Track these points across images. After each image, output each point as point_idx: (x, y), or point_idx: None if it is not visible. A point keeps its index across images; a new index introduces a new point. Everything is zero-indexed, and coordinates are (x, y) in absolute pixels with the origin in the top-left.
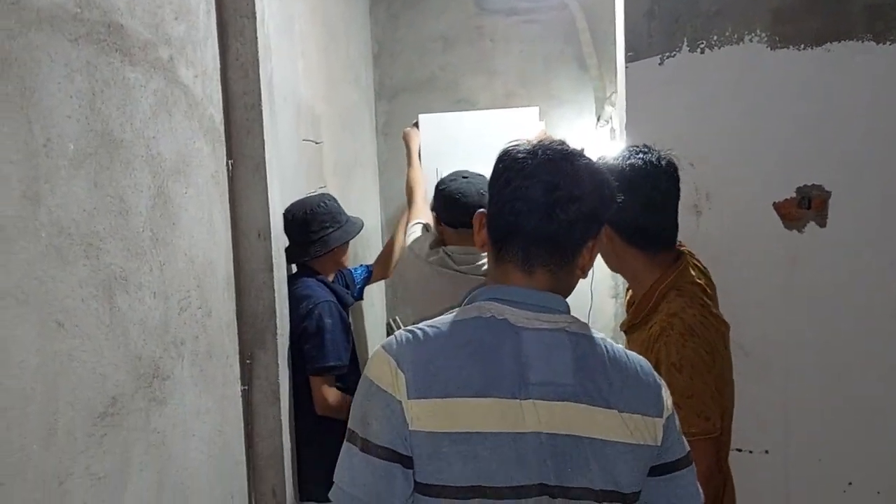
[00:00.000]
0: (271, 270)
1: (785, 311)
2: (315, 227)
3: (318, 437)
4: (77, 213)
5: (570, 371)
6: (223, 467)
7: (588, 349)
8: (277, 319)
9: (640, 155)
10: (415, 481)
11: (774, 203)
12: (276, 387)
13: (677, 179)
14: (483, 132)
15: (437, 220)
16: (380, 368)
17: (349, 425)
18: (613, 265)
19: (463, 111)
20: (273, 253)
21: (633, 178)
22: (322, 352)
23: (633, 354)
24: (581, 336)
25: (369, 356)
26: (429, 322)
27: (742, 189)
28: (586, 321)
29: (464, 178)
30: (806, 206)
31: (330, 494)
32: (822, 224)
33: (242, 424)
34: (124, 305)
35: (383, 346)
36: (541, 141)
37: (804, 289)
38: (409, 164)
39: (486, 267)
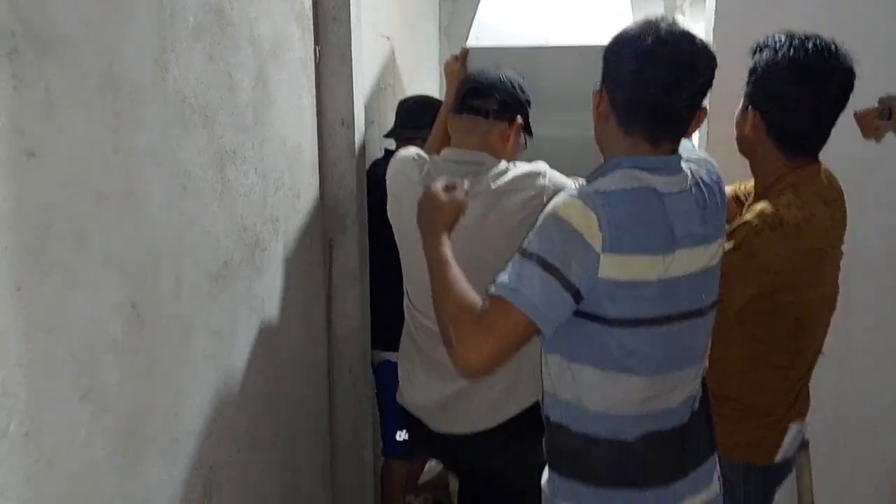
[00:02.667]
0: (353, 158)
1: (856, 219)
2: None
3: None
4: (195, 84)
5: (698, 223)
6: (307, 341)
7: (705, 195)
8: (357, 206)
9: (816, 51)
10: (590, 313)
11: (855, 112)
12: (356, 270)
13: (851, 85)
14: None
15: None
16: (585, 220)
17: (538, 252)
18: (745, 149)
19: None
20: (355, 141)
21: (803, 74)
22: None
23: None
24: (698, 186)
25: None
26: (598, 187)
27: None
28: None
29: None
30: (886, 117)
31: (504, 292)
32: None
33: (324, 303)
34: (232, 177)
35: (583, 200)
36: (656, 22)
37: (878, 197)
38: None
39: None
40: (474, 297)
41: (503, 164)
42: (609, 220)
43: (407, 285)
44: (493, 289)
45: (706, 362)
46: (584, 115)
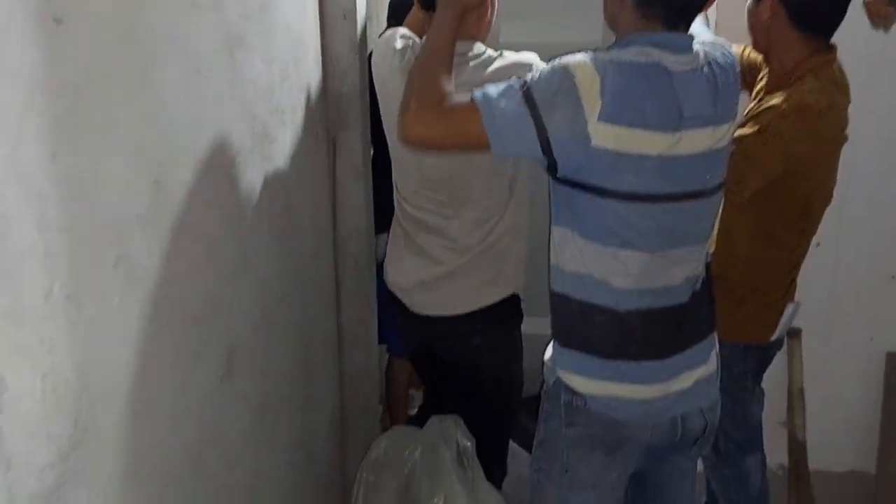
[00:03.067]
0: (355, 53)
1: (861, 109)
2: None
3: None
4: None
5: (709, 103)
6: (315, 232)
7: (717, 76)
8: (360, 102)
9: None
10: (588, 184)
11: (865, 1)
12: (360, 166)
13: None
14: None
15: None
16: (588, 81)
17: (530, 84)
18: (761, 38)
19: None
20: (357, 35)
21: None
22: None
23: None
24: (711, 67)
25: None
26: (612, 57)
27: None
28: None
29: None
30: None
31: (478, 98)
32: None
33: (329, 197)
34: (241, 62)
35: (594, 63)
36: None
37: (884, 88)
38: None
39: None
40: (449, 87)
41: (488, 52)
42: (613, 88)
43: (395, 173)
44: (475, 91)
45: (711, 245)
46: (581, 19)
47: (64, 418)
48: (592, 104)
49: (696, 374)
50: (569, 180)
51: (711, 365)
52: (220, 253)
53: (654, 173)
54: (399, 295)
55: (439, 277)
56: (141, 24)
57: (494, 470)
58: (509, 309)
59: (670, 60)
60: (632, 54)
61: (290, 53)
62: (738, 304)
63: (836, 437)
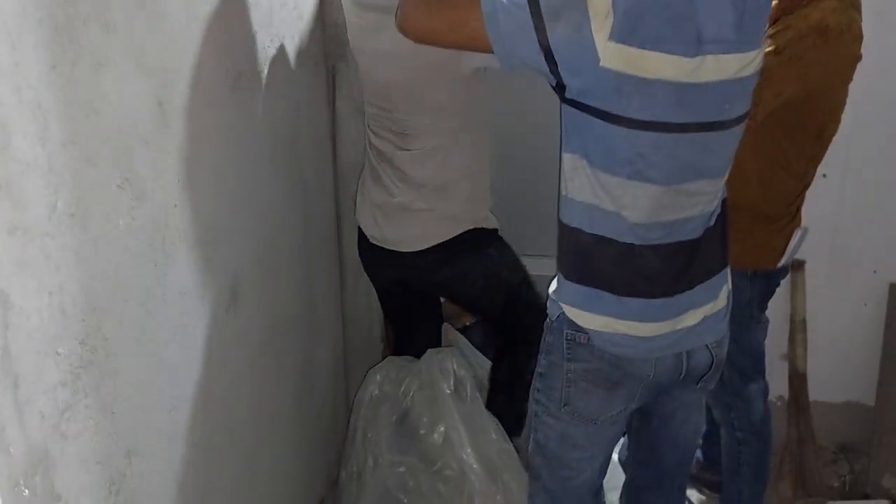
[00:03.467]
0: None
1: (872, 37)
2: None
3: None
4: None
5: (732, 28)
6: (316, 162)
7: (746, 2)
8: None
9: None
10: (597, 108)
11: None
12: (359, 102)
13: None
14: None
15: None
16: None
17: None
18: None
19: None
20: None
21: None
22: None
23: None
24: None
25: None
26: None
27: None
28: None
29: None
30: None
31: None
32: None
33: (329, 131)
34: None
35: None
36: None
37: (886, 17)
38: None
39: None
40: None
41: None
42: (626, 4)
43: (365, 103)
44: None
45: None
46: None
47: (72, 338)
48: (602, 20)
49: (703, 310)
50: (577, 102)
51: (721, 301)
52: (223, 179)
53: (667, 101)
54: (362, 226)
55: (394, 209)
56: None
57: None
58: (473, 239)
59: None
60: None
61: None
62: (746, 231)
63: (837, 368)
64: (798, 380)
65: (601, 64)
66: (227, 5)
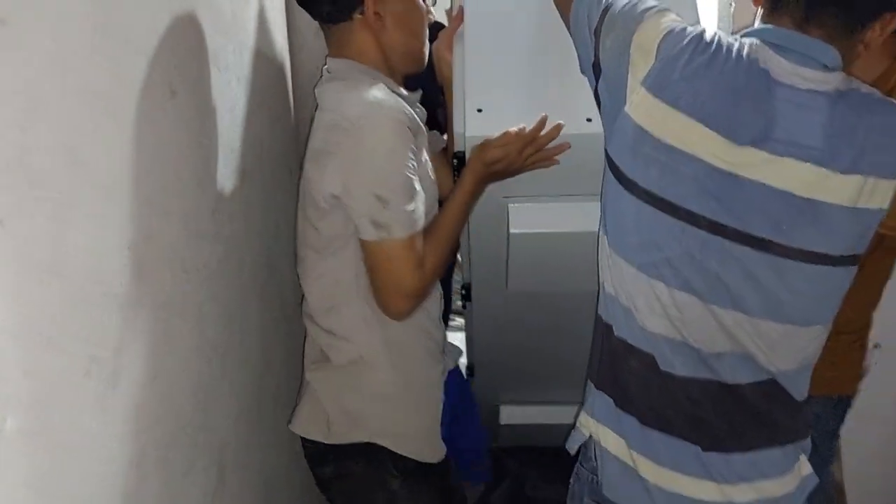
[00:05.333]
0: None
1: None
2: None
3: None
4: None
5: (819, 136)
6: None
7: (850, 110)
8: None
9: None
10: (613, 162)
11: None
12: None
13: None
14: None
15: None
16: (653, 27)
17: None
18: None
19: None
20: None
21: None
22: None
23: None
24: (847, 95)
25: None
26: (711, 29)
27: None
28: None
29: None
30: None
31: None
32: None
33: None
34: None
35: (671, 23)
36: None
37: None
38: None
39: None
40: None
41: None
42: (674, 53)
43: None
44: None
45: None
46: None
47: None
48: (642, 57)
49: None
50: (606, 151)
51: (787, 484)
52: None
53: (695, 183)
54: None
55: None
56: None
57: None
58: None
59: (782, 66)
60: (736, 43)
61: None
62: (827, 350)
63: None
64: (837, 491)
65: (626, 110)
66: None
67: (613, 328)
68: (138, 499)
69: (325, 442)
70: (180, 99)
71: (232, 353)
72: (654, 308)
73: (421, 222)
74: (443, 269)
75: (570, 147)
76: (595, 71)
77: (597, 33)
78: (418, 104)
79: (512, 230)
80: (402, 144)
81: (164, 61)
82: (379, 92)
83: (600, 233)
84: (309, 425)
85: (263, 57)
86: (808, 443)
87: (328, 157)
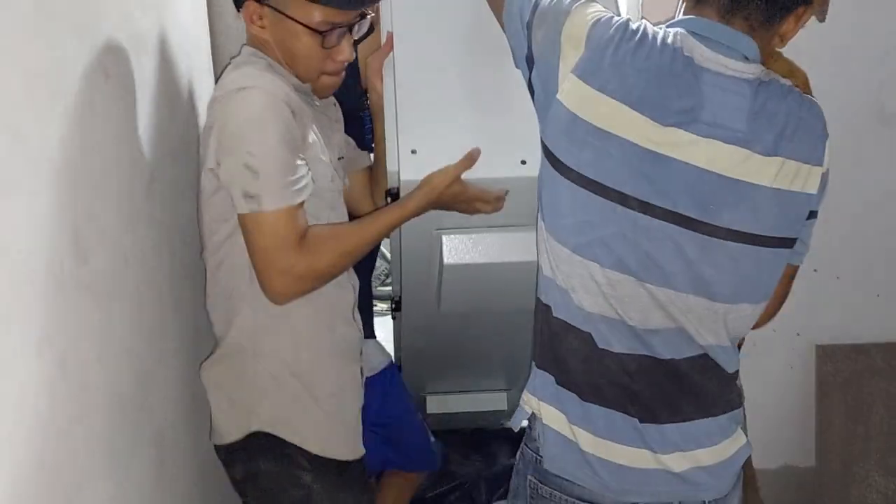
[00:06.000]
0: None
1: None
2: None
3: None
4: None
5: (743, 119)
6: None
7: (770, 97)
8: None
9: None
10: (547, 148)
11: None
12: None
13: None
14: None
15: None
16: (580, 19)
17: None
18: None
19: None
20: None
21: None
22: None
23: (809, 103)
24: (767, 84)
25: None
26: (636, 23)
27: None
28: None
29: None
30: None
31: None
32: None
33: None
34: None
35: (597, 14)
36: None
37: None
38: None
39: None
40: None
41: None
42: (601, 42)
43: None
44: None
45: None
46: None
47: None
48: (572, 47)
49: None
50: (542, 140)
51: (720, 453)
52: None
53: (625, 165)
54: None
55: None
56: None
57: None
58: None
59: (706, 55)
60: (661, 33)
61: None
62: None
63: (772, 434)
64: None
65: (558, 96)
66: None
67: (552, 309)
68: (88, 481)
69: (221, 443)
70: (113, 82)
71: (168, 337)
72: (590, 288)
73: (300, 198)
74: (341, 269)
75: (507, 192)
76: (528, 63)
77: (529, 26)
78: (317, 101)
79: (446, 261)
80: (274, 116)
81: (99, 44)
82: (263, 72)
83: (538, 218)
84: (213, 431)
85: (188, 41)
86: (741, 413)
87: (209, 132)
